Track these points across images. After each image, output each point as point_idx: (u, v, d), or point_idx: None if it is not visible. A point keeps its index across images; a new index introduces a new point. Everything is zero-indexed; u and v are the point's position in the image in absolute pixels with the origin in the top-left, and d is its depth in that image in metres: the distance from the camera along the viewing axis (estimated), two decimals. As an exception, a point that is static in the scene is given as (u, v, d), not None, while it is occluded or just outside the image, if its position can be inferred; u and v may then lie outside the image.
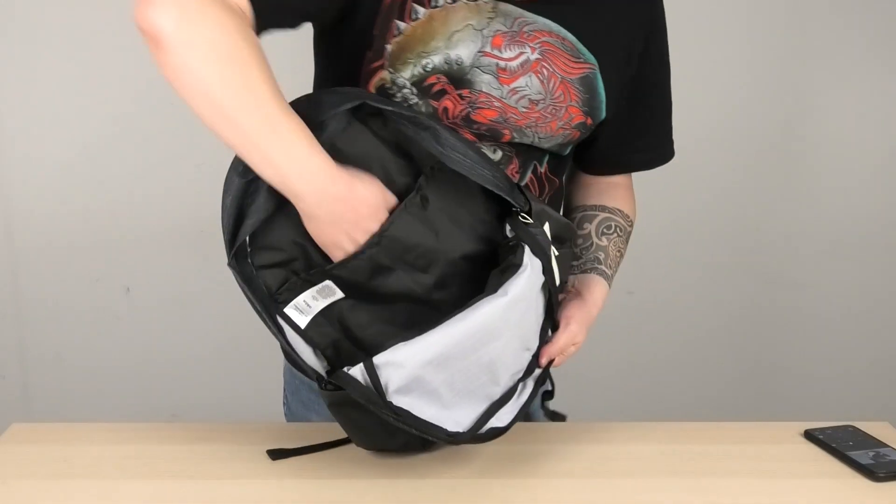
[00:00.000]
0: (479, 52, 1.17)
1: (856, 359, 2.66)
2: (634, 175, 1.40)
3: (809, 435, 1.27)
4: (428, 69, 1.17)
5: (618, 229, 1.34)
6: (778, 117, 2.48)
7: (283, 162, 1.01)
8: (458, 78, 1.18)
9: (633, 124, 1.31)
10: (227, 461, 1.20)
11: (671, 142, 1.38)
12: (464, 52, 1.17)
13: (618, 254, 1.33)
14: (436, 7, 1.16)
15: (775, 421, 1.34)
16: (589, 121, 1.25)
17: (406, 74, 1.17)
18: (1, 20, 2.42)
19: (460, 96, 1.19)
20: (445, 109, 1.20)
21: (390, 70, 1.17)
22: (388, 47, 1.17)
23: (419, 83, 1.18)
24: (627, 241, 1.36)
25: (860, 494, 1.13)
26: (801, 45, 2.49)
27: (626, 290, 2.41)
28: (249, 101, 0.99)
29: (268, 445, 1.23)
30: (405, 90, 1.18)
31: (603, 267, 1.30)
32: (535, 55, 1.20)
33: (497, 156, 1.24)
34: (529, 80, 1.20)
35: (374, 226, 1.08)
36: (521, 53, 1.19)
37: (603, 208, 1.35)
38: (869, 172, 2.58)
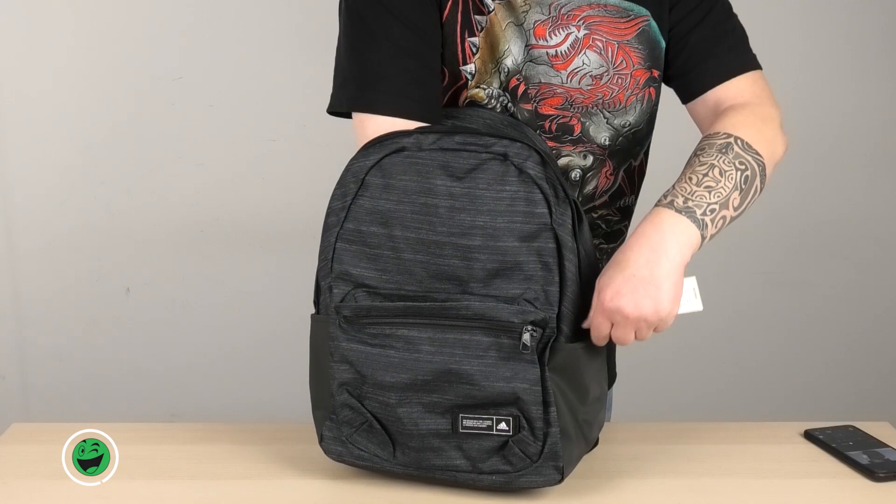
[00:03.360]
0: (527, 46, 1.19)
1: (856, 359, 2.66)
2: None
3: (809, 435, 1.27)
4: (506, 73, 1.20)
5: (700, 151, 1.19)
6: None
7: None
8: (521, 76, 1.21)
9: (697, 45, 1.27)
10: (227, 461, 1.20)
11: (748, 50, 1.29)
12: (514, 49, 1.19)
13: (695, 166, 1.16)
14: (491, 12, 1.19)
15: (775, 421, 1.34)
16: (655, 72, 1.26)
17: (496, 84, 1.20)
18: (1, 20, 2.42)
19: (527, 94, 1.21)
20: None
21: (483, 87, 1.20)
22: (470, 67, 1.19)
23: (506, 88, 1.20)
24: (727, 150, 1.17)
25: (860, 494, 1.13)
26: (801, 43, 2.49)
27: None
28: None
29: (268, 445, 1.23)
30: (501, 98, 1.20)
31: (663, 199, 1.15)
32: (583, 32, 1.21)
33: (587, 161, 1.25)
34: (586, 58, 1.21)
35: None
36: (569, 35, 1.20)
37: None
38: (870, 171, 2.58)
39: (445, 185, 1.06)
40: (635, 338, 1.10)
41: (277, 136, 2.48)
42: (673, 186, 1.15)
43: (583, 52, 1.21)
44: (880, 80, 2.53)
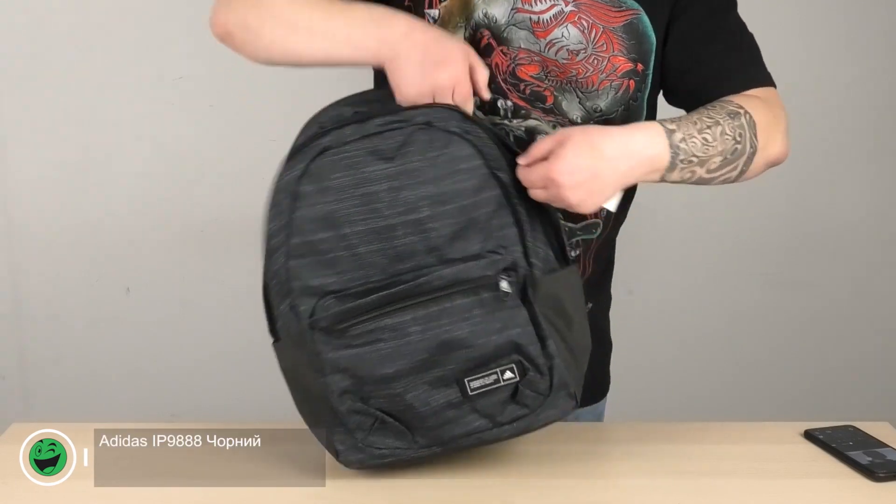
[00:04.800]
0: (513, 9, 1.21)
1: (856, 359, 2.66)
2: None
3: (809, 435, 1.27)
4: (473, 27, 1.21)
5: (712, 106, 1.21)
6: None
7: (364, 26, 1.11)
8: (497, 35, 1.22)
9: (710, 59, 1.27)
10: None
11: (763, 67, 1.30)
12: (498, 11, 1.21)
13: (703, 116, 1.18)
14: None
15: (775, 421, 1.34)
16: (640, 66, 1.26)
17: (459, 36, 1.20)
18: (1, 21, 2.41)
19: (503, 52, 1.22)
20: (497, 65, 1.23)
21: None
22: (434, 12, 1.20)
23: (471, 42, 1.21)
24: (735, 117, 1.19)
25: (860, 494, 1.13)
26: (801, 43, 2.49)
27: (626, 290, 2.41)
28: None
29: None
30: None
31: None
32: (570, 7, 1.22)
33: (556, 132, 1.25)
34: (566, 31, 1.22)
35: (460, 67, 1.10)
36: (554, 5, 1.22)
37: None
38: (870, 171, 2.58)
39: (379, 169, 1.08)
40: (533, 192, 1.09)
41: (277, 136, 2.47)
42: (682, 119, 1.16)
43: (564, 24, 1.22)
44: (881, 80, 2.53)
